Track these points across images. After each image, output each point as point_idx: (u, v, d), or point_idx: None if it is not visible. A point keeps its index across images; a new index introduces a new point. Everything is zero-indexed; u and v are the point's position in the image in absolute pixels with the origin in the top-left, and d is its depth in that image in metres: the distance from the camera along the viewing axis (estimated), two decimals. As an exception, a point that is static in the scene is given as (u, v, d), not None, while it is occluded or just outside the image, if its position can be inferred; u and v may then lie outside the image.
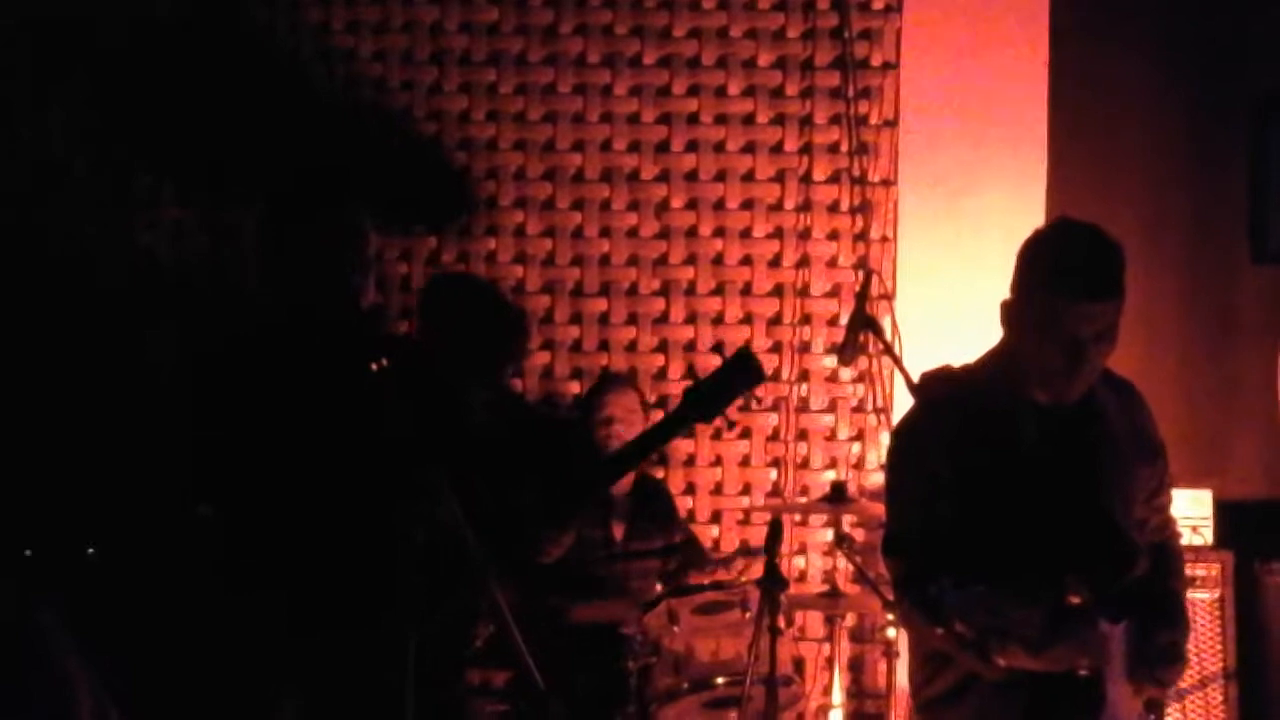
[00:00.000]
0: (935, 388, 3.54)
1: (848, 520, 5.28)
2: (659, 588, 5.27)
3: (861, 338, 4.94)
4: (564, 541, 5.00)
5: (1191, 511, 5.38)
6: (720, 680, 4.74)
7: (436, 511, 3.54)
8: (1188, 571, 4.66)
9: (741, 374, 2.95)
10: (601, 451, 5.24)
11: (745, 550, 5.72)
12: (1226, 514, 5.50)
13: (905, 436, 3.55)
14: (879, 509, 4.91)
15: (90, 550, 5.06)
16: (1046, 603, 3.08)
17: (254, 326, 3.81)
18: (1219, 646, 5.30)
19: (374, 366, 3.44)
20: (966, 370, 3.55)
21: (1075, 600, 3.20)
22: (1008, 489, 3.34)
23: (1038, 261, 3.37)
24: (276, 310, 3.72)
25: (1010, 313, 3.42)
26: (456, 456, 3.69)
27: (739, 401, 3.53)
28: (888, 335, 5.41)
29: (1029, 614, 3.02)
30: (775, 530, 4.60)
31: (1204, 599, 5.30)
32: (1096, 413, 3.45)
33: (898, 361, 4.67)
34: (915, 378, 4.57)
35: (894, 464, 3.53)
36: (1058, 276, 3.31)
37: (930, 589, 3.02)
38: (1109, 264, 3.35)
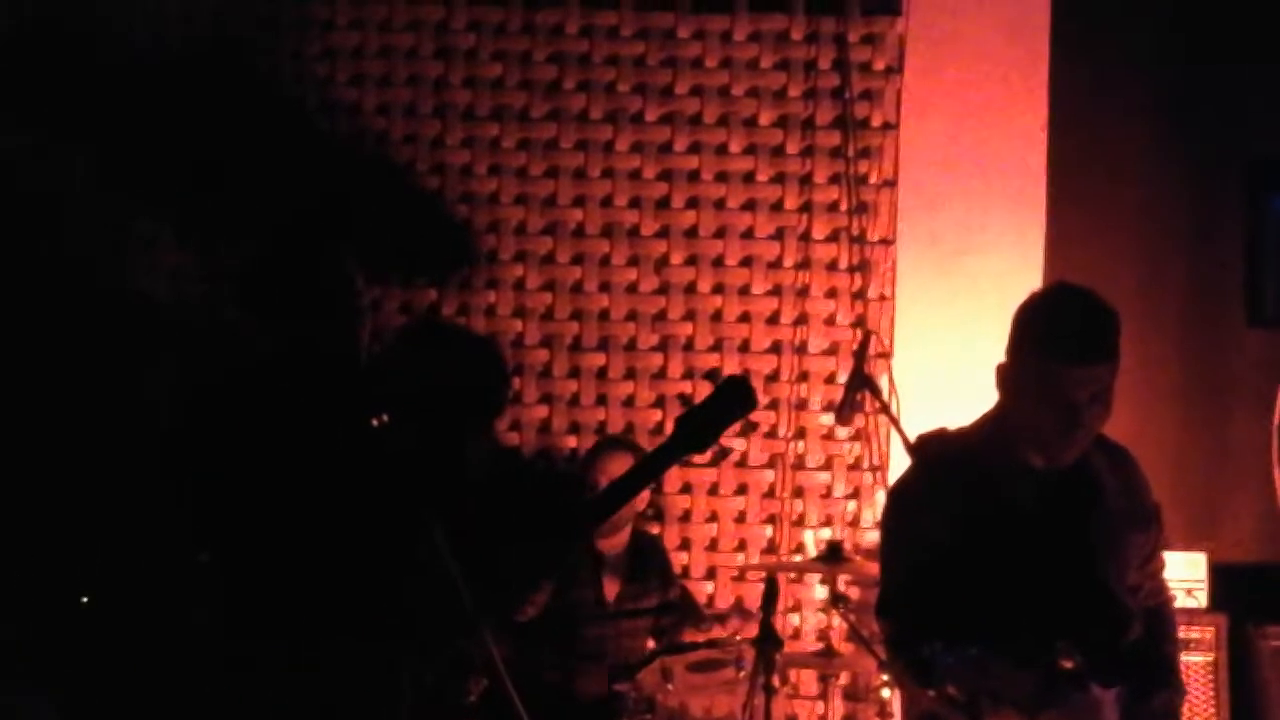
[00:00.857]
0: (931, 450, 3.56)
1: (843, 579, 5.28)
2: (651, 644, 5.27)
3: (859, 397, 4.96)
4: (539, 599, 5.01)
5: (1186, 574, 5.39)
6: (714, 738, 4.75)
7: (433, 565, 3.55)
8: (1182, 634, 4.67)
9: (734, 400, 2.95)
10: None
11: (740, 608, 5.72)
12: (1221, 577, 5.50)
13: (900, 498, 3.57)
14: (874, 568, 4.93)
15: (85, 599, 5.06)
16: (1039, 666, 3.09)
17: (252, 369, 3.82)
18: (1213, 710, 5.29)
19: (375, 422, 3.47)
20: (962, 433, 3.57)
21: (1068, 665, 3.20)
22: (1002, 552, 3.35)
23: (1033, 325, 3.40)
24: (274, 352, 3.72)
25: (1005, 376, 3.44)
26: (454, 512, 3.70)
27: (734, 428, 3.50)
28: (885, 394, 5.44)
29: (1021, 677, 3.03)
30: (771, 589, 4.61)
31: (1198, 662, 5.30)
32: (1091, 478, 3.47)
33: (894, 421, 4.68)
34: (912, 437, 4.60)
35: (889, 525, 3.55)
36: (1052, 340, 3.34)
37: (923, 650, 3.03)
38: (1104, 328, 3.37)
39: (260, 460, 3.52)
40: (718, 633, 5.22)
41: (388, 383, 3.79)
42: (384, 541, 3.52)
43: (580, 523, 3.90)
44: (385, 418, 3.55)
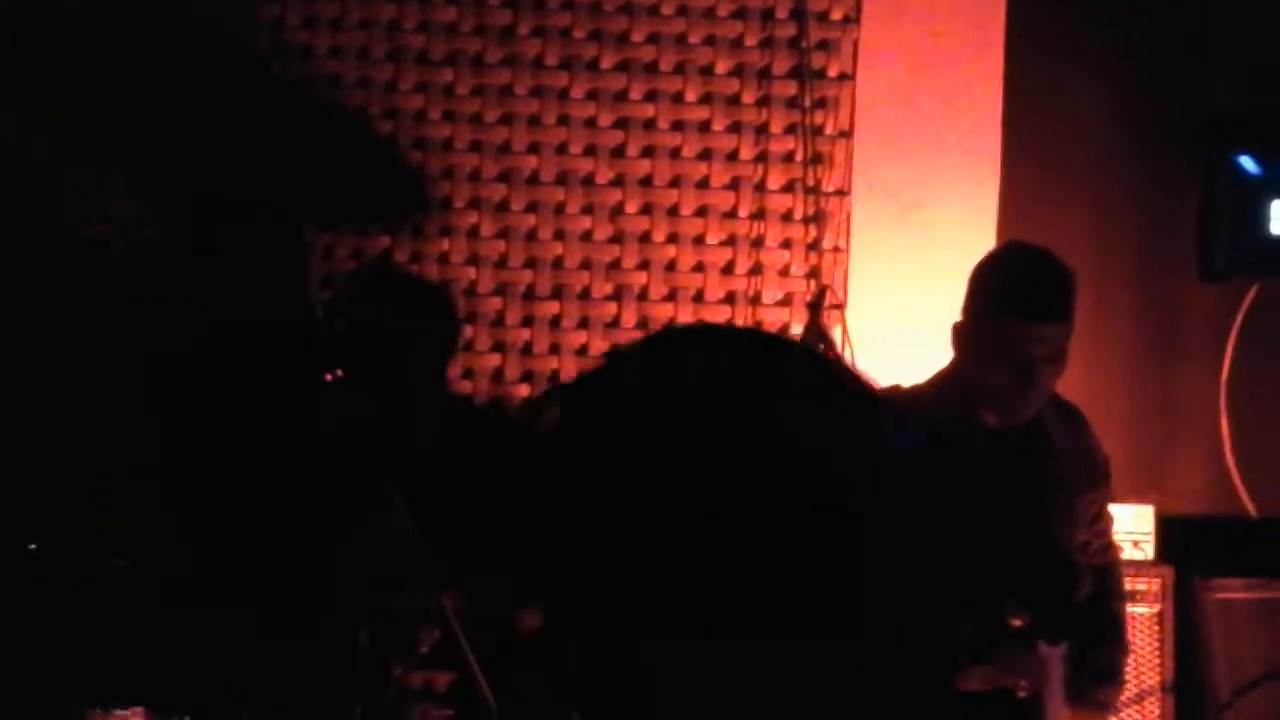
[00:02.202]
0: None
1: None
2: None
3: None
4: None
5: (1134, 526, 5.43)
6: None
7: (386, 516, 3.55)
8: (1129, 586, 4.73)
9: None
10: None
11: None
12: (1168, 529, 5.55)
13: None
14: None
15: (32, 546, 5.03)
16: (991, 629, 3.12)
17: (204, 330, 3.80)
18: (1157, 660, 5.35)
19: (328, 377, 3.45)
20: (915, 390, 3.59)
21: (1017, 623, 3.24)
22: (954, 510, 3.37)
23: (989, 284, 3.41)
24: (226, 310, 3.71)
25: (961, 335, 3.46)
26: (409, 466, 3.70)
27: None
28: (839, 347, 5.45)
29: (975, 639, 3.06)
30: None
31: (1144, 613, 5.35)
32: (1043, 437, 3.50)
33: (848, 376, 4.69)
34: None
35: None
36: (1009, 298, 3.36)
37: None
38: (1060, 287, 3.40)
39: (217, 420, 3.51)
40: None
41: (339, 335, 3.78)
42: (339, 499, 3.52)
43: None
44: (339, 372, 3.54)
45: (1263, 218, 5.73)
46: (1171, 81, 5.86)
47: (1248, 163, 5.74)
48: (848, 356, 5.48)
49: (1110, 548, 3.75)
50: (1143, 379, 5.83)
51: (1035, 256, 3.43)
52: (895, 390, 3.60)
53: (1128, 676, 4.01)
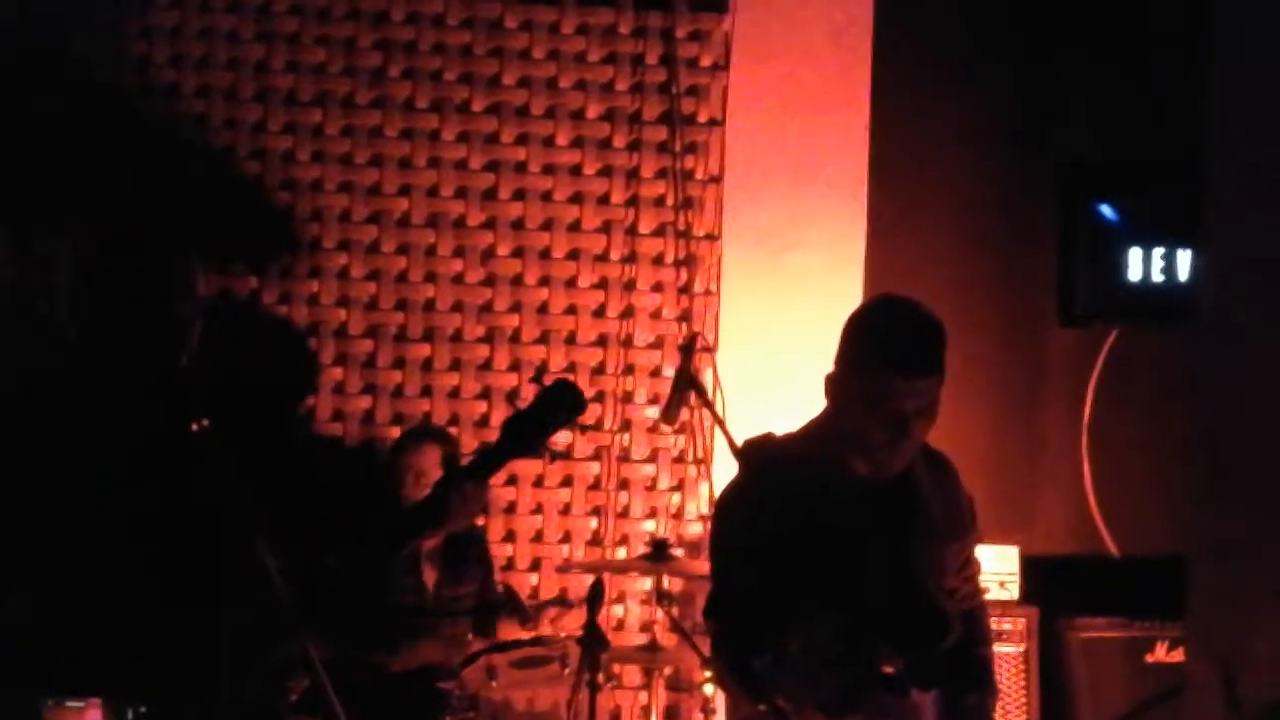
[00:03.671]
0: (756, 456, 3.59)
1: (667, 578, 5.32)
2: (471, 636, 5.26)
3: (685, 396, 4.99)
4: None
5: (999, 567, 5.54)
6: (538, 735, 4.77)
7: (253, 568, 3.50)
8: (994, 626, 4.81)
9: (561, 403, 2.94)
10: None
11: (563, 600, 5.72)
12: (1032, 570, 5.67)
13: (728, 503, 3.60)
14: (698, 565, 4.98)
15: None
16: (864, 677, 3.15)
17: (61, 366, 3.72)
18: (1024, 699, 5.46)
19: (195, 427, 3.40)
20: (788, 439, 3.61)
21: (888, 670, 3.28)
22: (825, 560, 3.41)
23: (864, 338, 3.44)
24: (87, 349, 3.63)
25: (835, 386, 3.49)
26: (274, 515, 3.65)
27: (562, 433, 3.47)
28: (709, 389, 5.49)
29: (832, 680, 3.09)
30: (596, 590, 4.64)
31: (1010, 653, 5.46)
32: (912, 487, 3.54)
33: (720, 422, 4.70)
34: (735, 433, 4.63)
35: (716, 531, 3.59)
36: (884, 353, 3.39)
37: (754, 664, 3.07)
38: (933, 342, 3.44)
39: (77, 469, 3.43)
40: (545, 630, 5.22)
41: (203, 383, 3.72)
42: (205, 550, 3.46)
43: (407, 532, 3.86)
44: (205, 422, 3.49)
45: (1121, 264, 5.87)
46: (1032, 130, 6.01)
47: (1106, 210, 5.88)
48: (719, 400, 5.52)
49: (977, 593, 3.79)
50: (1006, 422, 5.95)
51: (907, 311, 3.46)
52: (768, 438, 3.63)
53: (996, 716, 4.06)
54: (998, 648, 5.09)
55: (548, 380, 3.44)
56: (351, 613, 4.58)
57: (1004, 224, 6.03)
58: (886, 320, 3.44)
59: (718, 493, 4.94)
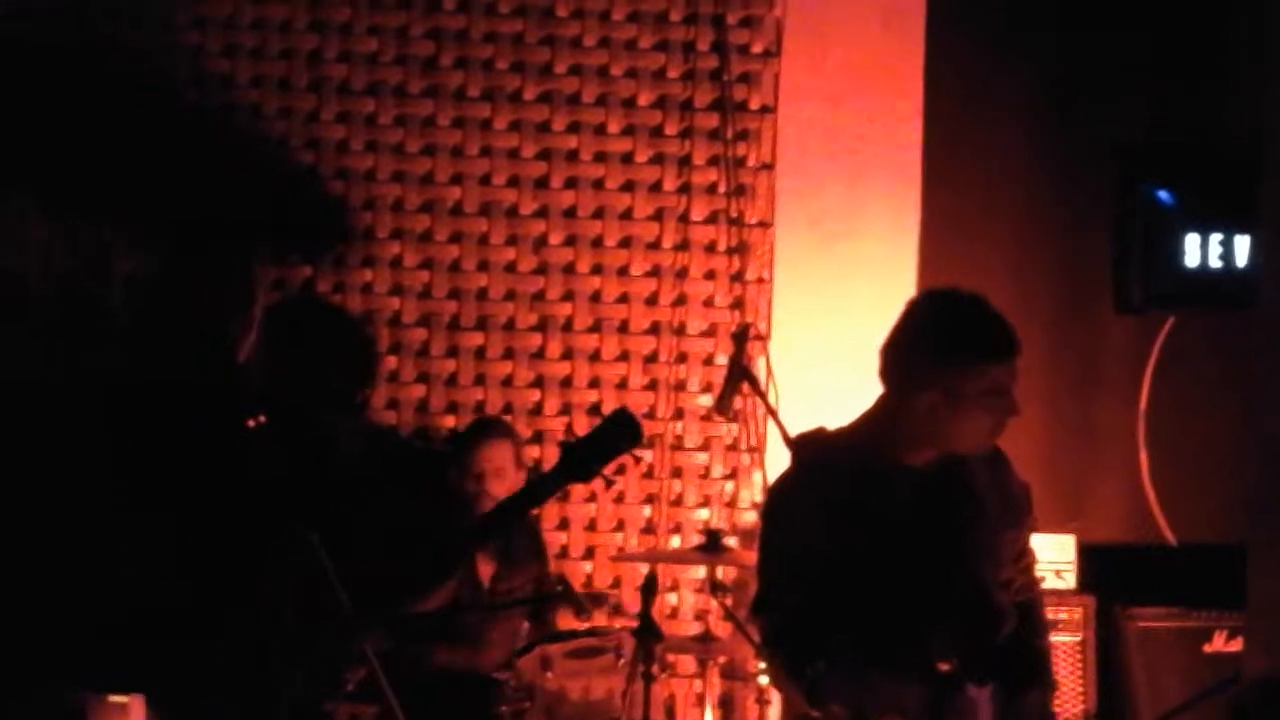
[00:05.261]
0: (809, 451, 3.59)
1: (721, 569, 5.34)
2: (526, 625, 5.28)
3: (738, 388, 4.99)
4: (435, 601, 5.02)
5: (1055, 556, 5.50)
6: (592, 726, 4.79)
7: (308, 564, 3.53)
8: (1051, 615, 4.79)
9: (620, 434, 2.97)
10: (470, 503, 5.21)
11: (617, 588, 5.72)
12: (1089, 558, 5.63)
13: (779, 499, 3.60)
14: (752, 556, 4.98)
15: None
16: (919, 675, 3.14)
17: (125, 367, 3.76)
18: (1080, 688, 5.43)
19: (251, 424, 3.43)
20: (840, 434, 3.60)
21: (944, 667, 3.27)
22: (879, 553, 3.40)
23: (955, 333, 3.44)
24: (141, 340, 3.67)
25: (921, 383, 3.43)
26: (330, 509, 3.68)
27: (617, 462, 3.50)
28: (762, 377, 5.48)
29: (904, 690, 3.09)
30: (650, 583, 4.64)
31: (1067, 642, 5.43)
32: (965, 477, 3.53)
33: (773, 413, 4.73)
34: (787, 420, 4.64)
35: (767, 526, 3.58)
36: (982, 342, 3.42)
37: (807, 672, 3.07)
38: (1003, 320, 3.48)
39: (138, 465, 3.47)
40: (599, 622, 5.23)
41: (259, 378, 3.76)
42: (259, 545, 3.50)
43: (466, 545, 3.91)
44: (261, 418, 3.52)
45: (1177, 250, 5.80)
46: (1087, 114, 5.93)
47: (1162, 195, 5.81)
48: (771, 390, 5.51)
49: (1034, 584, 3.78)
50: (1063, 410, 5.90)
51: (973, 298, 3.48)
52: (819, 433, 3.62)
53: (1053, 707, 4.04)
54: (1054, 637, 5.07)
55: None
56: (411, 608, 4.63)
57: (1059, 210, 5.97)
58: (967, 311, 3.45)
59: (771, 481, 4.94)
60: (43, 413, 4.45)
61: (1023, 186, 5.96)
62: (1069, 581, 5.53)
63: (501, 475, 5.23)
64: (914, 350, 3.46)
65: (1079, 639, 5.46)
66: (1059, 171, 5.97)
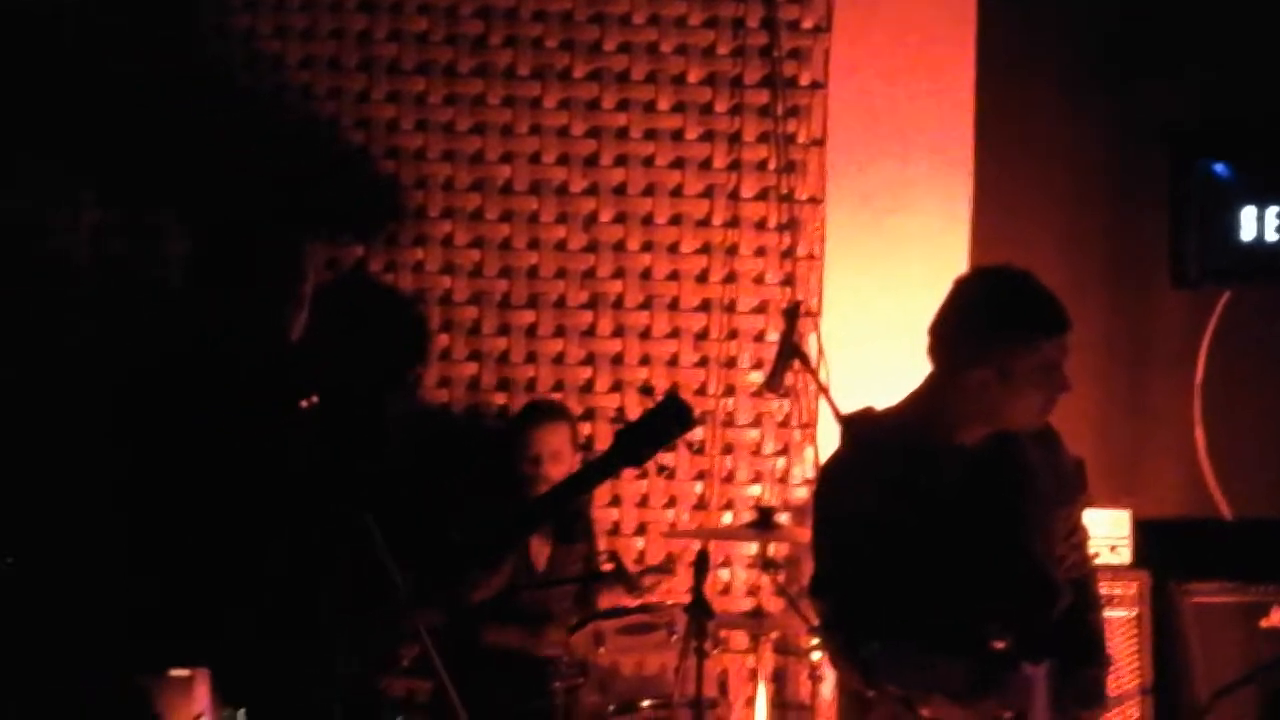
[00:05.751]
0: (859, 430, 3.59)
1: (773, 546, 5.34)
2: (573, 605, 5.31)
3: (789, 366, 4.99)
4: (493, 584, 5.05)
5: (1110, 531, 5.47)
6: (646, 703, 4.81)
7: (361, 545, 3.55)
8: (1105, 591, 4.78)
9: (672, 418, 2.98)
10: (525, 485, 5.23)
11: (665, 567, 5.72)
12: (1144, 533, 5.59)
13: (830, 480, 3.60)
14: (803, 532, 4.98)
15: (9, 560, 5.01)
16: (971, 654, 3.14)
17: (179, 349, 3.78)
18: (1136, 664, 5.40)
19: (304, 404, 3.45)
20: (890, 413, 3.60)
21: (999, 646, 3.26)
22: (932, 532, 3.39)
23: (1007, 310, 3.44)
24: (201, 327, 3.70)
25: (971, 367, 3.42)
26: (383, 490, 3.70)
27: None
28: (813, 353, 5.47)
29: (957, 669, 3.08)
30: (702, 560, 4.66)
31: (1122, 618, 5.40)
32: (1017, 454, 3.52)
33: (824, 390, 4.72)
34: (838, 396, 4.63)
35: (820, 507, 3.58)
36: (1033, 317, 3.42)
37: (861, 653, 3.08)
38: (1054, 296, 3.47)
39: (190, 446, 3.50)
40: (650, 598, 5.24)
41: (310, 359, 3.78)
42: (312, 526, 3.52)
43: (523, 528, 3.93)
44: (314, 399, 3.54)
45: (1233, 224, 5.75)
46: (1141, 89, 5.88)
47: (1218, 169, 5.75)
48: (822, 367, 5.50)
49: (1087, 560, 3.77)
50: (1118, 385, 5.86)
51: (1024, 274, 3.47)
52: (868, 412, 3.62)
53: (1108, 683, 4.03)
54: (1109, 612, 5.04)
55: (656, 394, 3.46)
56: (468, 595, 4.65)
57: (1113, 184, 5.92)
58: (1021, 288, 3.45)
59: (823, 458, 4.94)
60: (95, 394, 4.49)
61: (1075, 161, 5.92)
62: (1124, 557, 5.50)
63: (558, 458, 5.26)
64: (964, 327, 3.45)
65: (1134, 614, 5.42)
66: (1113, 145, 5.92)
